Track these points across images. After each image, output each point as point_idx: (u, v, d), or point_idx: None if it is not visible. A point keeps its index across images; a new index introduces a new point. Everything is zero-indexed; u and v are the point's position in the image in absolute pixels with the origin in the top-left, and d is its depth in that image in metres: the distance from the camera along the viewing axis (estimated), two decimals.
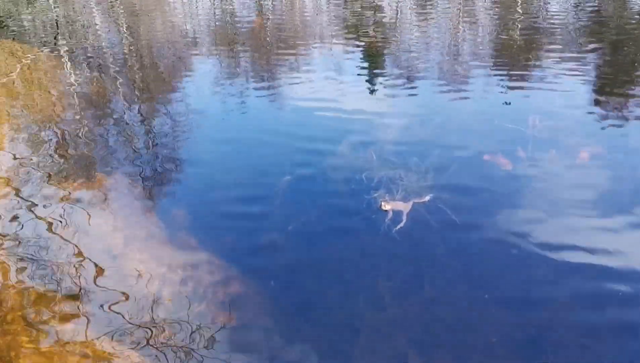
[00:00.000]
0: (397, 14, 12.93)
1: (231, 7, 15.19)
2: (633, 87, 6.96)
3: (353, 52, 9.54)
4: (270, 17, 13.49)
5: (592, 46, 9.00)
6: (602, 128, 5.80)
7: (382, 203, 4.35)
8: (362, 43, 10.10)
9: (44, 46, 10.68)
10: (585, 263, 3.73)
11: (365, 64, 8.81)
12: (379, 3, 14.27)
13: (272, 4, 15.30)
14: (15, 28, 12.47)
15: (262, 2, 15.53)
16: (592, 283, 3.57)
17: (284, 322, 3.40)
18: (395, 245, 3.99)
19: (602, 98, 6.70)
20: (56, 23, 13.19)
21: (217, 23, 13.32)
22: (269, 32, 11.88)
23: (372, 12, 13.30)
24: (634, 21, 10.80)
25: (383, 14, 12.92)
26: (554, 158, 5.08)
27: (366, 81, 7.92)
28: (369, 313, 3.40)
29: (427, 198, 4.43)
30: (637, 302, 3.39)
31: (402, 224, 4.15)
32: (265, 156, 5.53)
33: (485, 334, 3.21)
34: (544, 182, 4.74)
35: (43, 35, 11.79)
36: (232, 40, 11.43)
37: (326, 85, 7.75)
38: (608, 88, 7.03)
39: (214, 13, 14.53)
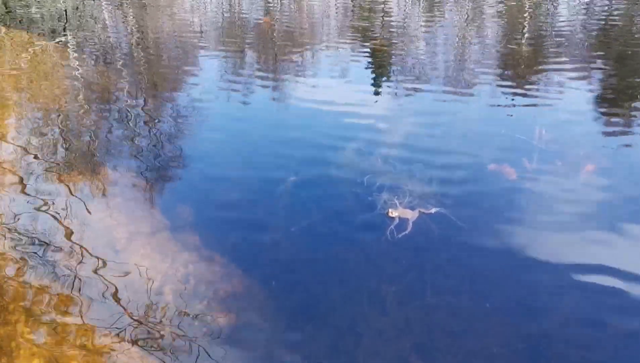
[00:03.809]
0: (404, 18, 12.94)
1: (240, 6, 15.21)
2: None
3: (360, 55, 9.55)
4: (278, 17, 13.51)
5: (599, 57, 9.00)
6: (609, 141, 5.80)
7: (390, 210, 4.34)
8: (369, 46, 10.10)
9: (52, 36, 10.70)
10: (587, 275, 3.72)
11: (372, 68, 8.81)
12: (387, 7, 14.28)
13: (280, 4, 15.32)
14: (24, 18, 12.49)
15: (270, 2, 15.55)
16: (593, 295, 3.56)
17: (285, 323, 3.40)
18: (398, 250, 3.99)
19: (609, 110, 6.70)
20: (65, 14, 13.21)
21: (225, 21, 13.34)
22: (276, 32, 11.89)
23: (380, 16, 13.31)
24: None
25: (391, 19, 12.93)
26: (560, 170, 5.07)
27: (372, 84, 7.92)
28: (371, 316, 3.39)
29: (433, 210, 4.41)
30: (638, 315, 3.39)
31: (407, 232, 4.14)
32: (270, 155, 5.52)
33: (487, 342, 3.21)
34: (548, 193, 4.73)
35: (51, 26, 11.81)
36: (239, 39, 11.44)
37: (332, 87, 7.76)
38: (615, 100, 7.03)
39: (223, 11, 14.54)
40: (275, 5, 15.20)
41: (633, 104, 6.81)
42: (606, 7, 13.48)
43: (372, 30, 11.68)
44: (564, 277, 3.72)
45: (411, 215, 4.30)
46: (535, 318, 3.38)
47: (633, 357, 3.12)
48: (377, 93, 7.54)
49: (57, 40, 10.39)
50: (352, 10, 14.34)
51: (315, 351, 3.18)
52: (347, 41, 10.75)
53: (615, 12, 12.89)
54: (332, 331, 3.31)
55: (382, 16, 13.26)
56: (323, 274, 3.81)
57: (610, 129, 6.14)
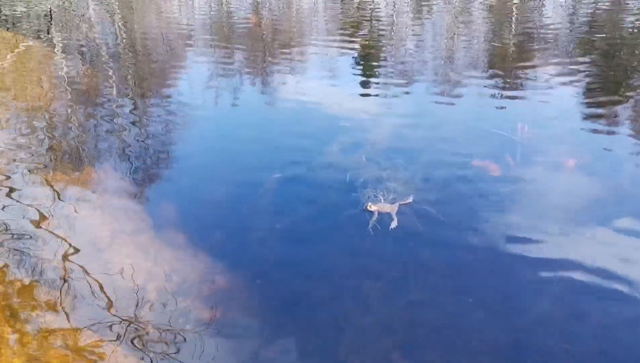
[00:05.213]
0: (393, 17, 12.98)
1: (228, 4, 15.16)
2: (623, 97, 7.04)
3: (347, 54, 9.57)
4: (266, 16, 13.49)
5: (584, 54, 9.09)
6: (591, 137, 5.87)
7: (369, 204, 4.37)
8: (357, 45, 10.12)
9: (37, 36, 10.60)
10: (568, 270, 3.76)
11: (359, 66, 8.83)
12: (376, 7, 14.32)
13: (269, 3, 15.29)
14: (8, 17, 12.36)
15: (259, 1, 15.52)
16: (574, 289, 3.61)
17: (269, 320, 3.41)
18: (382, 247, 4.01)
19: (591, 107, 6.77)
20: (50, 14, 13.09)
21: (213, 20, 13.30)
22: (264, 31, 11.88)
23: (368, 15, 13.34)
24: (626, 31, 10.92)
25: (379, 18, 12.97)
26: (542, 166, 5.12)
27: (359, 83, 7.95)
28: (354, 313, 3.41)
29: (410, 199, 4.46)
30: (617, 308, 3.44)
31: (389, 227, 4.17)
32: (256, 153, 5.53)
33: (469, 337, 3.23)
34: (530, 189, 4.78)
35: (36, 26, 11.70)
36: (227, 38, 11.41)
37: (319, 85, 7.77)
38: (598, 97, 7.11)
39: (210, 10, 14.49)
40: (264, 3, 15.17)
41: (615, 101, 6.90)
42: (592, 5, 13.61)
43: (360, 30, 11.70)
44: (546, 271, 3.76)
45: (391, 209, 4.33)
46: (517, 312, 3.42)
47: (613, 348, 3.17)
48: (363, 92, 7.56)
49: (42, 39, 10.30)
50: (341, 9, 14.36)
51: (299, 348, 3.19)
52: (335, 40, 10.77)
53: (600, 10, 13.02)
54: (315, 328, 3.32)
55: (370, 15, 13.29)
56: (306, 271, 3.82)
57: (592, 125, 6.21)
